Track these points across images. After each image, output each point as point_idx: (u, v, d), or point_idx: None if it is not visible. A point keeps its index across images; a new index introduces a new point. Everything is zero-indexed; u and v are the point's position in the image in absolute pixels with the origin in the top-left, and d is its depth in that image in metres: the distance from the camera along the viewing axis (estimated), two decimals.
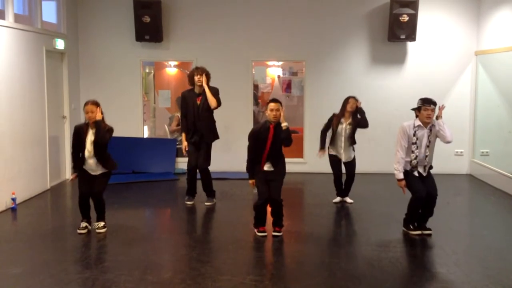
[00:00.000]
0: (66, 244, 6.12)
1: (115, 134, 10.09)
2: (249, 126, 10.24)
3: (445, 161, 10.22)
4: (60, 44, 9.26)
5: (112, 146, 10.15)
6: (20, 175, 7.77)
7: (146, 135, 10.58)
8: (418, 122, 6.25)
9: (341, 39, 10.17)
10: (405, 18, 9.61)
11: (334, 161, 7.76)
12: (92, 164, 6.40)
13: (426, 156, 6.32)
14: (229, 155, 10.13)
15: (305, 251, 6.05)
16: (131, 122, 10.36)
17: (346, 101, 7.71)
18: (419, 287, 4.91)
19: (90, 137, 6.36)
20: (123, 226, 6.85)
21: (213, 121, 7.79)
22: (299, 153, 10.39)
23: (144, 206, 7.96)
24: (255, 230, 6.41)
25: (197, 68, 7.74)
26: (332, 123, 7.72)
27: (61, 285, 4.88)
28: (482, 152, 9.85)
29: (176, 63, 12.07)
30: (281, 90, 13.03)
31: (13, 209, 7.49)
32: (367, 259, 5.63)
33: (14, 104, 7.72)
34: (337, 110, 9.93)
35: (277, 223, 6.43)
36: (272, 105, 6.16)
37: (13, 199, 7.53)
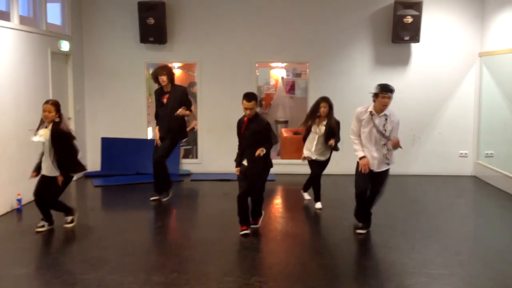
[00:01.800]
0: (71, 245, 6.15)
1: (120, 135, 10.27)
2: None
3: (449, 162, 10.24)
4: (65, 46, 9.30)
5: (117, 147, 10.34)
6: (25, 176, 7.75)
7: (150, 137, 10.61)
8: (371, 108, 6.19)
9: (345, 40, 10.18)
10: (409, 19, 9.62)
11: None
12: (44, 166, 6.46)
13: (377, 148, 6.16)
14: (233, 156, 10.11)
15: (309, 252, 6.07)
16: (135, 124, 10.39)
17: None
18: None
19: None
20: (128, 227, 6.87)
21: (181, 119, 7.99)
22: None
23: (148, 207, 7.97)
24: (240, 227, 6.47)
25: (160, 67, 7.96)
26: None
27: (66, 286, 4.91)
28: (487, 154, 9.83)
29: (180, 64, 12.10)
30: (285, 92, 13.06)
31: (18, 210, 7.52)
32: (371, 260, 5.64)
33: (20, 105, 7.75)
34: (341, 111, 10.00)
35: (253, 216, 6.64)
36: (244, 103, 6.21)
37: (19, 200, 7.56)
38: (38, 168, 6.49)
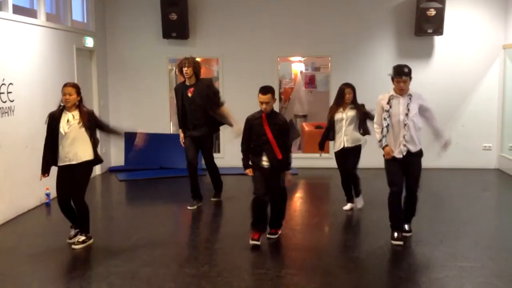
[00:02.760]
0: (102, 239, 6.21)
1: (143, 130, 10.29)
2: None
3: (473, 155, 10.18)
4: (89, 42, 9.40)
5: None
6: (53, 171, 7.88)
7: (172, 131, 10.68)
8: (392, 92, 5.85)
9: (367, 34, 10.16)
10: (432, 12, 9.56)
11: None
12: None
13: (404, 135, 5.76)
14: None
15: (338, 246, 6.10)
16: (158, 119, 10.48)
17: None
18: (455, 281, 4.90)
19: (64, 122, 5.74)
20: (156, 221, 6.96)
21: (207, 114, 7.35)
22: (325, 148, 10.38)
23: (173, 202, 8.05)
24: (251, 235, 5.87)
25: (185, 58, 7.39)
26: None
27: (101, 278, 4.99)
28: (511, 147, 9.77)
29: (199, 59, 12.14)
30: (303, 86, 13.06)
31: (47, 204, 7.64)
32: (399, 253, 5.65)
33: (48, 102, 7.81)
34: (364, 104, 9.94)
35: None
36: (260, 96, 5.70)
37: (47, 194, 7.68)
38: (48, 167, 5.89)
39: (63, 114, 5.74)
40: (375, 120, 6.08)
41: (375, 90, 9.98)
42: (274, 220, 6.05)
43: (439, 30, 9.68)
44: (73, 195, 5.79)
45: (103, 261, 5.47)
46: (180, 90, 7.38)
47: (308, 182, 9.38)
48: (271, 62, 10.32)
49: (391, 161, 5.87)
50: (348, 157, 7.08)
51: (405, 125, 5.76)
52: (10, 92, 6.89)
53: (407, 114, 5.75)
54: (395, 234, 5.89)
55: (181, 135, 7.47)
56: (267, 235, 5.99)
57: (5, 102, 6.79)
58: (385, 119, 5.82)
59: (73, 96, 5.72)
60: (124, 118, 10.52)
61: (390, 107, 5.79)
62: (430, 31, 9.68)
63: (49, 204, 7.62)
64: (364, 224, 6.83)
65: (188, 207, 7.38)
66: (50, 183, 7.64)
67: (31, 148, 7.42)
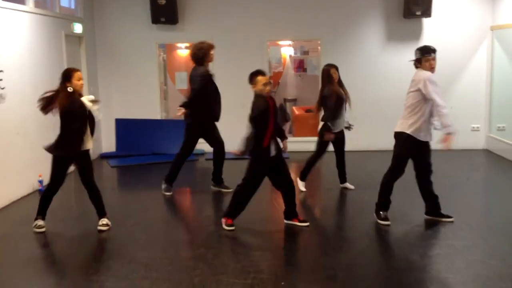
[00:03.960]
0: (97, 224, 6.23)
1: (133, 116, 10.34)
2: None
3: (462, 136, 10.23)
4: (78, 28, 9.33)
5: (132, 128, 10.42)
6: (45, 157, 7.82)
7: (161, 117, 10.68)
8: (428, 72, 5.76)
9: (356, 16, 10.19)
10: None
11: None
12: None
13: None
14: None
15: (331, 226, 6.19)
16: (148, 104, 10.47)
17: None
18: (448, 261, 5.00)
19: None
20: (150, 206, 7.00)
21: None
22: (315, 132, 10.45)
23: None
24: (227, 222, 5.89)
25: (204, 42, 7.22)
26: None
27: (99, 261, 5.05)
28: (499, 127, 9.89)
29: (188, 44, 12.10)
30: (293, 70, 13.08)
31: (40, 191, 7.63)
32: (392, 232, 5.75)
33: (37, 88, 7.74)
34: (354, 87, 9.98)
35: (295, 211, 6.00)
36: (260, 79, 5.57)
37: (40, 181, 7.67)
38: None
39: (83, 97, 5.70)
40: (442, 102, 5.65)
41: (365, 73, 10.18)
42: (294, 209, 5.96)
43: (427, 12, 9.74)
44: (90, 179, 5.83)
45: (100, 246, 5.51)
46: (210, 76, 7.16)
47: (299, 165, 9.42)
48: (260, 46, 10.32)
49: (418, 146, 5.77)
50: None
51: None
52: (1, 79, 6.85)
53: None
54: (382, 214, 5.94)
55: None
56: (300, 224, 5.90)
57: None
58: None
59: (82, 81, 5.80)
60: (114, 104, 10.50)
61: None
62: (418, 13, 9.73)
63: (42, 191, 7.61)
64: (356, 205, 6.91)
65: (167, 193, 7.36)
66: (42, 170, 7.67)
67: (23, 135, 7.41)
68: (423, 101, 5.69)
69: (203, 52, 7.15)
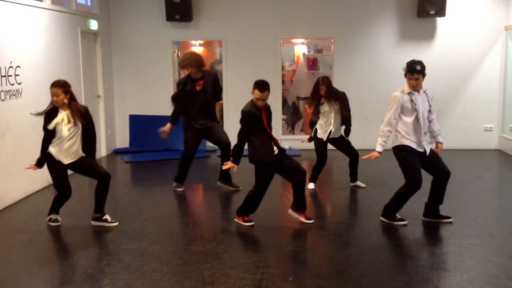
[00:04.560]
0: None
1: (147, 112, 10.46)
2: (278, 104, 10.42)
3: (474, 136, 10.29)
4: (93, 24, 9.47)
5: (145, 124, 10.53)
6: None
7: None
8: (407, 89, 5.74)
9: (370, 15, 10.21)
10: None
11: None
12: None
13: (426, 132, 5.79)
14: None
15: (341, 223, 6.23)
16: (162, 101, 10.53)
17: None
18: (456, 259, 5.04)
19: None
20: (162, 201, 7.10)
21: (213, 105, 7.53)
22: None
23: None
24: (244, 219, 5.97)
25: (185, 60, 7.30)
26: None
27: (111, 255, 5.15)
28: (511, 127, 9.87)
29: (202, 42, 12.20)
30: (306, 68, 13.10)
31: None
32: (400, 230, 5.78)
33: None
34: (366, 86, 10.05)
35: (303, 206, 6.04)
36: (258, 94, 5.67)
37: None
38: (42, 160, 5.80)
39: (59, 113, 5.70)
40: (387, 119, 5.80)
41: (377, 72, 10.20)
42: (303, 203, 6.00)
43: (441, 12, 9.73)
44: (105, 179, 5.88)
45: (112, 239, 5.62)
46: (186, 83, 7.32)
47: (311, 164, 9.47)
48: (274, 44, 10.39)
49: (414, 157, 5.75)
50: None
51: (429, 121, 5.83)
52: (18, 75, 6.99)
53: (429, 110, 5.81)
54: (398, 216, 5.97)
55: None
56: (304, 221, 5.94)
57: (13, 84, 6.89)
58: (417, 118, 5.68)
59: (61, 97, 5.63)
60: (129, 100, 10.64)
61: (415, 104, 5.68)
62: (432, 12, 9.73)
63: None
64: (366, 204, 6.95)
65: (179, 189, 7.50)
66: None
67: (39, 130, 7.49)
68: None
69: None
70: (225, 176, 7.58)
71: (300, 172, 5.87)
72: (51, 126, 5.68)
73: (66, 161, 5.78)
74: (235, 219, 6.01)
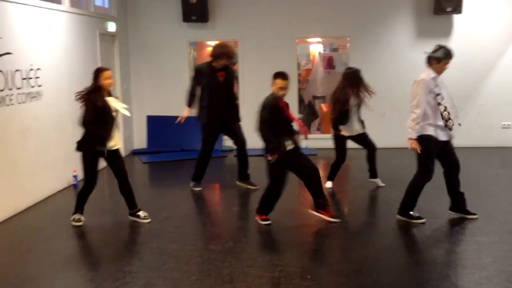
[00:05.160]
0: (126, 217, 6.43)
1: (164, 113, 10.55)
2: (295, 103, 10.44)
3: (492, 133, 10.22)
4: (111, 27, 9.58)
5: (162, 124, 10.64)
6: (79, 154, 8.13)
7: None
8: (433, 74, 5.68)
9: (386, 13, 10.19)
10: None
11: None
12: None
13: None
14: None
15: (358, 221, 6.25)
16: (179, 101, 10.58)
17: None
18: (474, 257, 5.03)
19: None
20: (180, 200, 7.18)
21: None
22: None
23: None
24: (261, 218, 5.97)
25: (229, 48, 7.32)
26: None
27: (131, 253, 5.24)
28: None
29: (218, 42, 12.25)
30: (322, 67, 13.11)
31: (74, 186, 7.89)
32: (419, 227, 5.78)
33: (72, 85, 8.01)
34: (382, 84, 10.00)
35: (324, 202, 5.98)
36: (280, 82, 5.72)
37: (75, 176, 7.93)
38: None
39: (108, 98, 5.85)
40: (416, 104, 5.66)
41: (394, 70, 10.18)
42: (323, 199, 5.96)
43: (458, 9, 9.68)
44: (126, 176, 6.05)
45: (131, 239, 5.71)
46: (208, 72, 7.19)
47: (328, 162, 9.48)
48: (289, 43, 10.42)
49: (434, 146, 5.71)
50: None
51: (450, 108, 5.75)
52: (38, 77, 7.11)
53: (450, 97, 5.78)
54: (415, 214, 5.95)
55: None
56: (330, 219, 5.92)
57: (33, 87, 7.01)
58: (439, 103, 5.64)
59: (112, 80, 5.92)
60: (146, 101, 10.74)
61: (440, 88, 5.68)
62: (449, 9, 9.69)
63: (77, 186, 7.86)
64: (383, 202, 6.96)
65: (196, 189, 7.53)
66: (77, 166, 7.90)
67: (59, 131, 7.67)
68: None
69: (215, 53, 7.24)
70: (244, 175, 7.62)
71: (309, 172, 5.85)
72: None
73: (110, 146, 5.87)
74: (256, 217, 6.03)
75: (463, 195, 6.03)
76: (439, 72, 5.71)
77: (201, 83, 7.29)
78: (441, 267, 4.80)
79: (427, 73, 5.70)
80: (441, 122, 5.69)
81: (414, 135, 5.68)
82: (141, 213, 6.15)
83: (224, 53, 7.14)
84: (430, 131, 5.69)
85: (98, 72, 5.89)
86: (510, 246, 5.23)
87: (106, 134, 5.81)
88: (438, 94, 5.66)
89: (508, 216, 6.23)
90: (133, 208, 6.17)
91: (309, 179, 5.89)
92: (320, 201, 5.94)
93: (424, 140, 5.68)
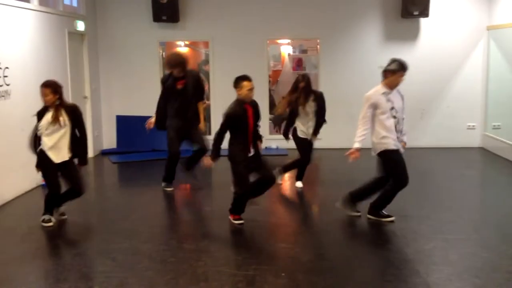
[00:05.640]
0: (101, 219, 6.39)
1: (134, 113, 10.48)
2: (265, 105, 10.49)
3: (457, 134, 10.48)
4: (80, 25, 9.47)
5: (132, 124, 10.56)
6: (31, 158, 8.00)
7: None
8: (384, 89, 5.82)
9: (355, 16, 10.35)
10: None
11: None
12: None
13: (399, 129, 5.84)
14: None
15: (332, 222, 6.34)
16: (149, 101, 10.49)
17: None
18: (443, 254, 5.16)
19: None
20: (152, 200, 7.15)
21: (196, 106, 7.54)
22: None
23: None
24: (234, 217, 6.00)
25: (173, 60, 7.36)
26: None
27: (105, 254, 5.19)
28: (494, 126, 10.06)
29: (188, 42, 12.24)
30: (291, 68, 13.21)
31: (43, 186, 7.73)
32: (388, 226, 5.90)
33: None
34: (352, 86, 10.16)
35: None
36: (246, 85, 5.73)
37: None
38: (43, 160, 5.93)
39: (47, 111, 5.87)
40: (362, 117, 5.84)
41: (363, 72, 10.32)
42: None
43: (424, 12, 9.90)
44: (78, 192, 6.01)
45: (104, 239, 5.66)
46: (167, 81, 7.39)
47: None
48: (261, 44, 10.48)
49: (399, 155, 5.84)
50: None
51: (402, 119, 5.89)
52: (6, 76, 6.99)
53: (403, 108, 5.92)
54: (385, 212, 6.07)
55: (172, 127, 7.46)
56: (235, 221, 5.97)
57: (1, 86, 6.89)
58: (394, 116, 5.76)
59: (49, 97, 5.81)
60: (115, 101, 10.64)
61: (393, 102, 5.79)
62: (416, 13, 9.90)
63: (45, 186, 7.72)
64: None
65: (168, 189, 7.52)
66: None
67: (27, 131, 7.48)
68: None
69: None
70: (191, 164, 7.60)
71: (272, 178, 5.93)
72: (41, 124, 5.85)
73: (55, 159, 5.86)
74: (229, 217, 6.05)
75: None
76: (395, 84, 5.83)
77: (164, 93, 7.48)
78: (412, 264, 4.93)
79: (376, 88, 5.89)
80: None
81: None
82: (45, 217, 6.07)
83: (172, 63, 7.30)
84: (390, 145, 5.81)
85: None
86: (476, 243, 5.40)
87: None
88: (392, 108, 5.79)
89: (473, 214, 6.44)
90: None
91: (261, 187, 5.95)
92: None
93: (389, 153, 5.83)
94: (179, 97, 7.31)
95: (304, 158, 7.43)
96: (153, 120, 7.55)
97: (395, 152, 5.84)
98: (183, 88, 7.31)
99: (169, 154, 7.52)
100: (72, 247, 5.49)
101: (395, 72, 5.79)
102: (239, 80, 5.80)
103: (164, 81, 7.55)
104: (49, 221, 6.01)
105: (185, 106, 7.33)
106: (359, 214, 6.15)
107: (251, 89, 5.78)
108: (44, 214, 6.06)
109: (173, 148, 7.44)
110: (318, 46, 10.84)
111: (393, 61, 5.89)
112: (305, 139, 7.33)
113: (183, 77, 7.31)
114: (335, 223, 6.25)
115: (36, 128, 5.93)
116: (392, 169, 5.88)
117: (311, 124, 7.29)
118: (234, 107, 5.82)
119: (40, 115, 5.91)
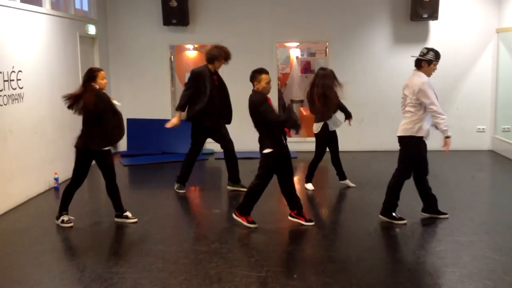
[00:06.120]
0: (113, 220, 6.42)
1: (145, 116, 10.55)
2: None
3: (467, 137, 10.46)
4: (91, 29, 9.56)
5: (142, 127, 10.62)
6: (61, 156, 8.09)
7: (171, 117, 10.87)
8: (425, 76, 5.90)
9: (364, 19, 10.38)
10: None
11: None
12: None
13: None
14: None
15: (341, 224, 6.36)
16: (159, 104, 10.67)
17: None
18: (454, 256, 5.17)
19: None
20: (164, 203, 7.20)
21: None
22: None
23: None
24: (247, 221, 5.97)
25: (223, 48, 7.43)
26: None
27: (118, 255, 5.25)
28: (504, 128, 10.05)
29: (197, 45, 12.29)
30: (300, 71, 13.25)
31: (56, 188, 7.84)
32: (400, 228, 5.91)
33: (53, 88, 8.01)
34: (361, 89, 10.16)
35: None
36: (265, 77, 5.74)
37: (56, 179, 7.89)
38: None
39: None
40: (439, 110, 5.88)
41: (372, 75, 10.36)
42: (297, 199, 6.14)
43: (434, 15, 9.92)
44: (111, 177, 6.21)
45: (117, 240, 5.73)
46: (205, 75, 7.24)
47: (307, 165, 9.60)
48: (269, 47, 10.52)
49: (423, 148, 5.98)
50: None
51: None
52: (20, 79, 7.07)
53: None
54: (397, 215, 6.08)
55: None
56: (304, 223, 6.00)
57: (15, 89, 6.96)
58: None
59: (105, 81, 6.03)
60: (126, 104, 10.63)
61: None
62: (425, 16, 9.91)
63: (58, 188, 7.81)
64: (363, 204, 7.07)
65: (180, 191, 7.55)
66: (58, 168, 7.89)
67: (40, 134, 7.62)
68: (423, 105, 5.89)
69: (212, 55, 7.36)
70: (234, 179, 7.63)
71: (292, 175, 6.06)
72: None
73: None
74: (234, 216, 6.04)
75: (435, 197, 6.22)
76: (429, 74, 5.95)
77: (196, 86, 7.27)
78: (423, 266, 4.94)
79: (422, 76, 5.89)
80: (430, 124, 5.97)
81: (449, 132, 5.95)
82: (128, 213, 6.17)
83: (220, 55, 7.25)
84: (424, 132, 5.90)
85: (94, 73, 5.93)
86: (487, 245, 5.40)
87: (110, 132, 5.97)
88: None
89: (484, 216, 6.44)
90: (119, 210, 6.17)
91: (287, 182, 5.95)
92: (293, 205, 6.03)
93: (417, 141, 5.91)
94: (215, 91, 7.22)
95: (318, 155, 7.53)
96: (175, 120, 7.43)
97: (422, 144, 5.96)
98: (219, 84, 7.30)
99: (190, 153, 7.47)
100: (85, 249, 5.54)
101: (431, 61, 5.89)
102: (257, 74, 5.77)
103: (198, 74, 7.27)
104: (69, 221, 6.07)
105: (220, 102, 7.32)
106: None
107: (269, 82, 5.76)
108: (60, 213, 6.10)
109: (197, 147, 7.43)
110: (326, 49, 10.86)
111: (428, 50, 5.96)
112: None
113: (215, 73, 7.27)
114: (346, 227, 6.29)
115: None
116: (409, 157, 5.99)
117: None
118: (257, 95, 5.75)
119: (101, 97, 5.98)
